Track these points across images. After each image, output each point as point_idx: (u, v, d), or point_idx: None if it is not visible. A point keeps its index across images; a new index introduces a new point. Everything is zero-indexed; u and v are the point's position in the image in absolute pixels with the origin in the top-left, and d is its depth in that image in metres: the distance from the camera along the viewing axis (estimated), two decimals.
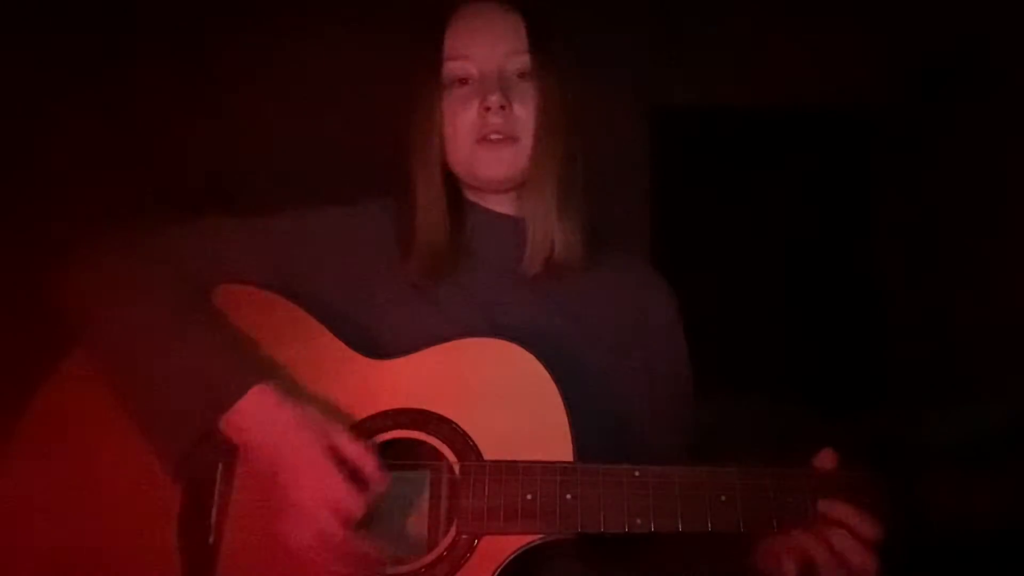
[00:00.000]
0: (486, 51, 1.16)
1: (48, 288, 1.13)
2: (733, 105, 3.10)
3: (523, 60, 1.17)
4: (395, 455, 1.07)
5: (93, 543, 1.06)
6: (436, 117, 1.17)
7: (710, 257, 3.00)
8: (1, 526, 1.08)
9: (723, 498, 1.00)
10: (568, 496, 1.00)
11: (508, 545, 1.01)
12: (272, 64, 2.92)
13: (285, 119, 2.88)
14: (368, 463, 1.00)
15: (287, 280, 1.15)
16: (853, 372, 3.03)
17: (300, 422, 1.01)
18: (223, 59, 2.88)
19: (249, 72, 2.91)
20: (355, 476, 1.00)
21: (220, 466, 1.06)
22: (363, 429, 1.07)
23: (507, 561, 1.00)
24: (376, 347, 1.12)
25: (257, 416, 1.02)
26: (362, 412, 1.08)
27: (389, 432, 1.07)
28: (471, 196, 1.22)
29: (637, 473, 1.01)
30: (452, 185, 1.20)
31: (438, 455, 1.05)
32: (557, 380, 1.05)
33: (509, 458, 1.03)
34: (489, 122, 1.15)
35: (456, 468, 1.04)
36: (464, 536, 1.01)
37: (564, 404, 1.04)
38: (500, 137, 1.15)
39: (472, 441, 1.04)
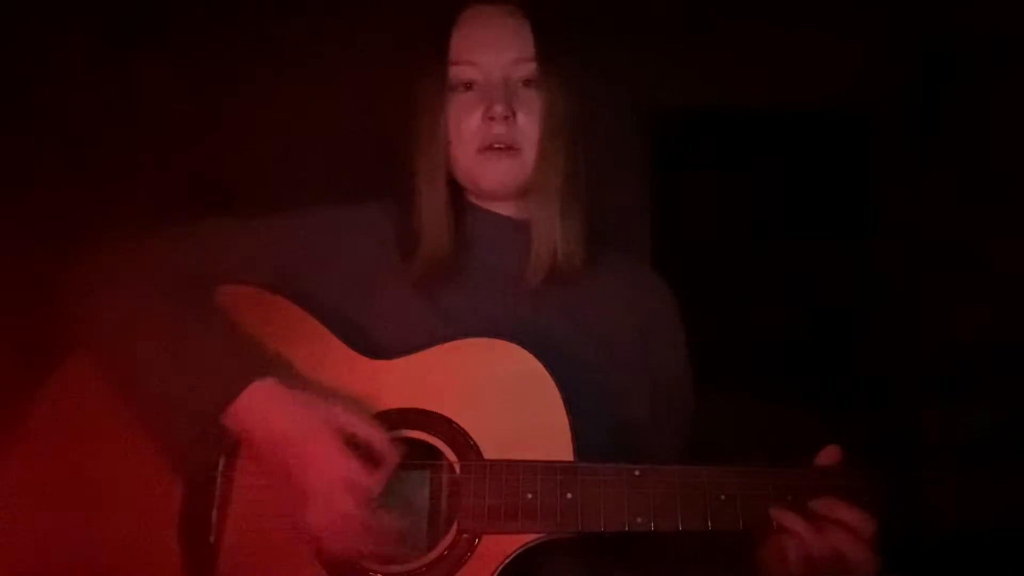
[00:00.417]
0: (492, 58, 1.16)
1: (49, 288, 1.13)
2: (733, 105, 3.10)
3: (529, 68, 1.16)
4: None
5: (94, 542, 1.06)
6: (441, 121, 1.16)
7: (710, 257, 3.00)
8: (2, 524, 1.08)
9: (723, 497, 1.00)
10: (568, 495, 1.01)
11: (509, 544, 1.01)
12: (273, 63, 2.92)
13: (286, 119, 2.88)
14: (377, 438, 1.01)
15: (287, 280, 1.15)
16: (853, 372, 3.03)
17: (305, 408, 1.02)
18: (224, 59, 2.88)
19: (250, 72, 2.91)
20: (366, 454, 1.00)
21: (221, 464, 1.06)
22: None
23: (508, 560, 1.00)
24: (376, 347, 1.12)
25: (261, 407, 1.02)
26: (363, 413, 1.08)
27: (389, 432, 1.07)
28: (473, 199, 1.22)
29: (637, 472, 1.01)
30: (455, 187, 1.20)
31: (438, 455, 1.06)
32: (557, 380, 1.05)
33: (509, 458, 1.03)
34: (493, 132, 1.14)
35: (457, 468, 1.04)
36: (465, 535, 1.02)
37: (564, 404, 1.04)
38: (503, 147, 1.15)
39: (472, 441, 1.05)
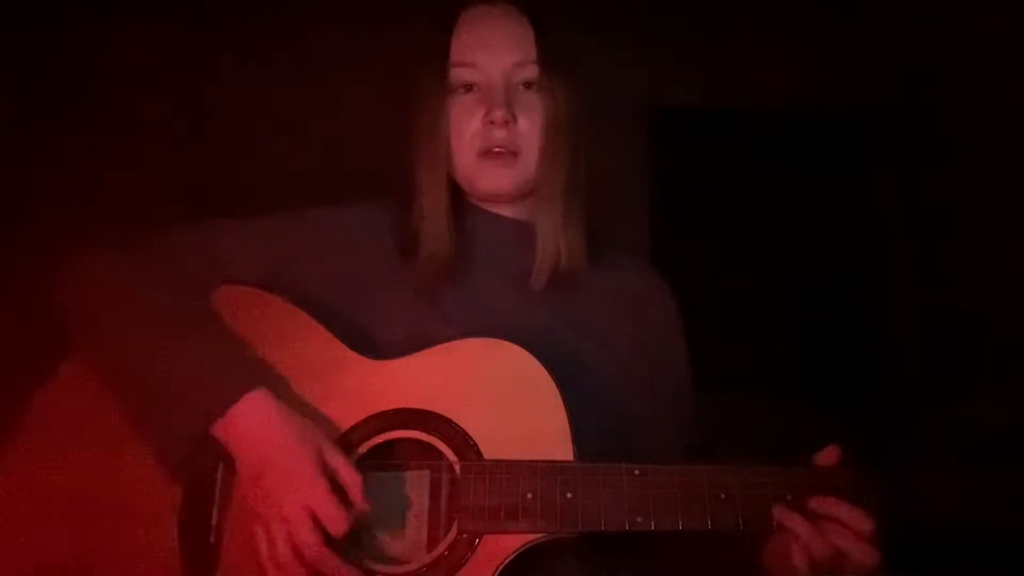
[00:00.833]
0: (493, 60, 1.15)
1: (47, 290, 1.13)
2: (733, 105, 3.10)
3: (531, 71, 1.15)
4: (395, 455, 1.07)
5: (93, 543, 1.06)
6: (442, 123, 1.16)
7: (710, 257, 3.00)
8: (2, 526, 1.08)
9: (723, 496, 1.00)
10: (568, 495, 1.00)
11: (509, 544, 1.01)
12: (273, 63, 2.92)
13: (286, 119, 2.88)
14: (355, 484, 1.00)
15: (287, 281, 1.15)
16: (853, 371, 3.03)
17: (292, 430, 1.01)
18: (224, 59, 2.88)
19: (250, 72, 2.91)
20: (340, 493, 0.99)
21: (221, 466, 1.06)
22: (364, 429, 1.07)
23: (508, 560, 1.00)
24: (376, 347, 1.11)
25: (250, 422, 1.01)
26: (363, 412, 1.07)
27: (389, 432, 1.07)
28: (473, 200, 1.22)
29: (637, 472, 1.01)
30: (455, 188, 1.19)
31: (438, 455, 1.06)
32: (557, 380, 1.05)
33: (509, 457, 1.03)
34: (493, 136, 1.14)
35: (456, 468, 1.04)
36: (465, 535, 1.01)
37: (564, 404, 1.04)
38: (503, 151, 1.15)
39: (472, 440, 1.04)
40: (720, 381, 1.65)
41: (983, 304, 2.76)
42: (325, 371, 1.09)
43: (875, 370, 3.04)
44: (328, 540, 0.97)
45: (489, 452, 1.04)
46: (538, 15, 1.18)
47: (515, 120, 1.14)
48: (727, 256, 3.04)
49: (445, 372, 1.08)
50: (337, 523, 0.96)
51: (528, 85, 1.16)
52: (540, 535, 1.01)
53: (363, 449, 1.06)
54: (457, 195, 1.19)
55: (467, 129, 1.15)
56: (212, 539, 1.04)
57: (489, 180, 1.16)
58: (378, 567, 1.02)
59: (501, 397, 1.05)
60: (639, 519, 0.99)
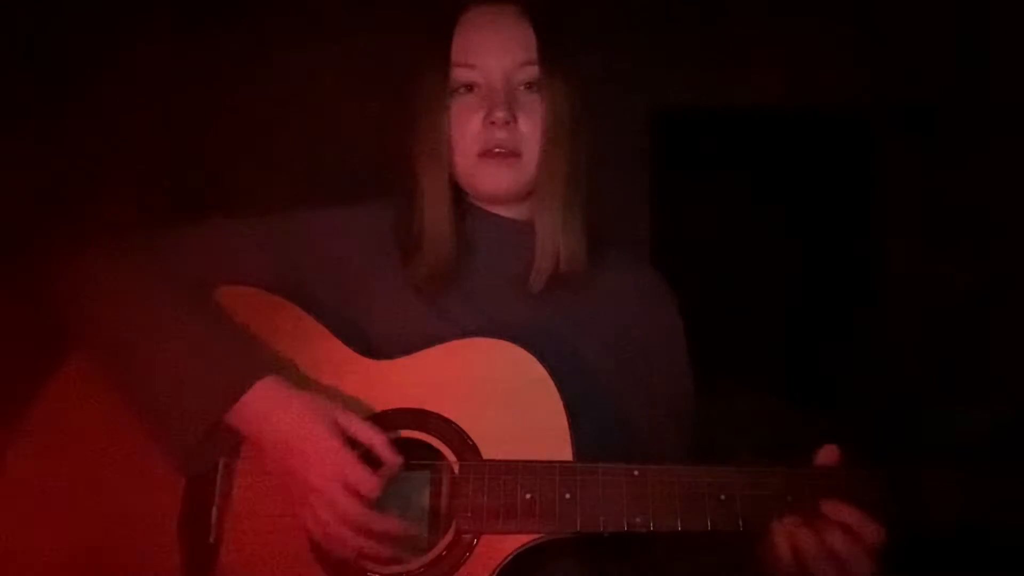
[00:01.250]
0: (493, 61, 1.15)
1: (50, 289, 1.13)
2: (733, 105, 3.10)
3: (532, 72, 1.15)
4: None
5: (93, 543, 1.06)
6: (443, 123, 1.16)
7: (710, 257, 3.00)
8: (2, 526, 1.08)
9: (722, 497, 1.00)
10: (567, 495, 1.01)
11: (508, 544, 1.01)
12: (274, 63, 2.92)
13: (286, 119, 2.88)
14: (378, 442, 1.02)
15: (287, 281, 1.15)
16: (853, 371, 3.03)
17: (308, 409, 1.03)
18: (224, 59, 2.88)
19: (250, 72, 2.91)
20: (367, 457, 1.01)
21: (221, 465, 1.07)
22: None
23: (506, 560, 1.00)
24: (376, 347, 1.12)
25: (265, 406, 1.03)
26: (362, 412, 1.07)
27: (389, 432, 1.07)
28: (474, 200, 1.21)
29: (637, 473, 1.01)
30: (456, 188, 1.19)
31: (438, 455, 1.06)
32: (556, 380, 1.05)
33: (508, 458, 1.03)
34: (493, 137, 1.14)
35: (456, 468, 1.04)
36: (464, 535, 1.02)
37: (563, 404, 1.04)
38: (503, 152, 1.15)
39: (471, 441, 1.05)
40: (720, 381, 1.65)
41: (983, 304, 2.76)
42: (325, 371, 1.10)
43: (875, 370, 3.04)
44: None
45: (488, 452, 1.04)
46: (539, 16, 1.18)
47: (516, 121, 1.14)
48: (727, 256, 3.04)
49: (445, 372, 1.08)
50: (368, 484, 0.99)
51: (529, 86, 1.15)
52: (539, 535, 1.01)
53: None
54: (458, 195, 1.19)
55: (468, 130, 1.15)
56: (212, 539, 1.05)
57: (489, 181, 1.16)
58: (377, 568, 1.02)
59: (500, 397, 1.05)
60: (638, 520, 0.99)
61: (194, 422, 1.03)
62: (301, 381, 1.07)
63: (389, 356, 1.10)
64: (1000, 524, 0.98)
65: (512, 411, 1.05)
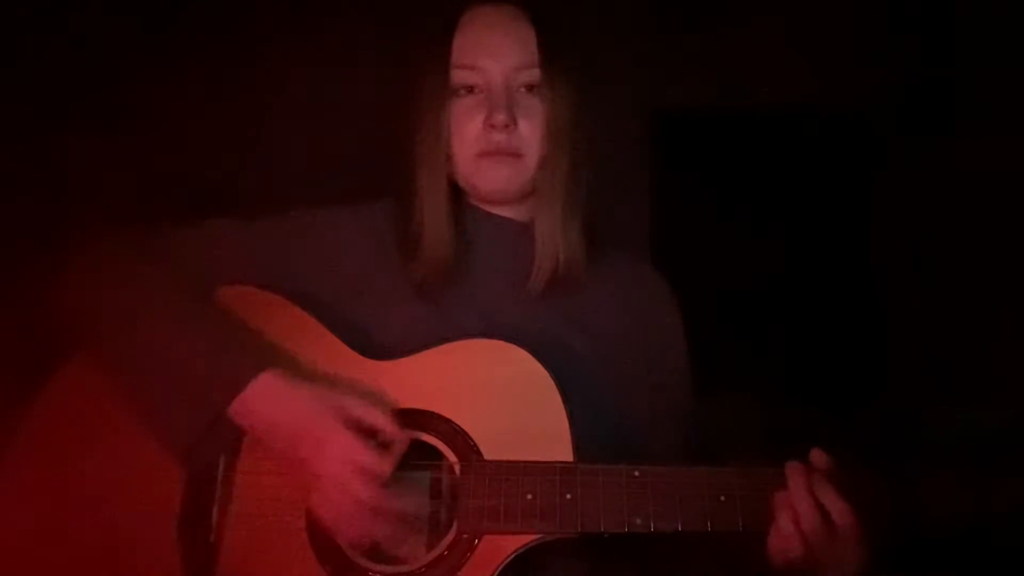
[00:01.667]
0: (494, 63, 1.14)
1: (51, 288, 1.13)
2: (733, 105, 3.10)
3: (532, 74, 1.15)
4: None
5: (94, 542, 1.06)
6: (443, 124, 1.15)
7: (710, 257, 3.00)
8: (2, 525, 1.08)
9: (723, 498, 1.00)
10: (568, 496, 1.01)
11: (508, 545, 1.01)
12: (274, 64, 2.92)
13: (286, 119, 2.88)
14: (385, 423, 1.02)
15: (287, 281, 1.15)
16: (853, 372, 3.03)
17: (312, 397, 1.03)
18: (224, 59, 2.88)
19: (251, 72, 2.91)
20: (375, 439, 1.01)
21: (221, 463, 1.07)
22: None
23: (507, 561, 1.00)
24: (376, 348, 1.12)
25: (269, 398, 1.03)
26: None
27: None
28: (474, 201, 1.21)
29: (637, 473, 1.01)
30: (456, 189, 1.19)
31: (439, 455, 1.06)
32: (557, 380, 1.05)
33: (509, 458, 1.03)
34: (493, 139, 1.14)
35: (456, 468, 1.04)
36: (464, 536, 1.02)
37: (564, 404, 1.04)
38: (503, 154, 1.14)
39: (472, 441, 1.05)
40: (720, 381, 1.65)
41: (984, 304, 2.76)
42: (326, 372, 1.09)
43: (875, 370, 3.04)
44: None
45: (489, 453, 1.04)
46: (541, 17, 1.18)
47: (516, 124, 1.14)
48: (727, 256, 3.04)
49: (445, 373, 1.08)
50: (380, 464, 0.99)
51: (529, 88, 1.15)
52: (539, 536, 1.01)
53: None
54: (458, 196, 1.19)
55: (468, 131, 1.15)
56: (212, 538, 1.05)
57: (489, 181, 1.16)
58: (378, 567, 1.02)
59: (501, 398, 1.05)
60: (638, 520, 0.99)
61: (195, 417, 1.03)
62: (304, 373, 1.07)
63: (389, 356, 1.10)
64: (1000, 524, 0.98)
65: (513, 412, 1.05)
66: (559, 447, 1.03)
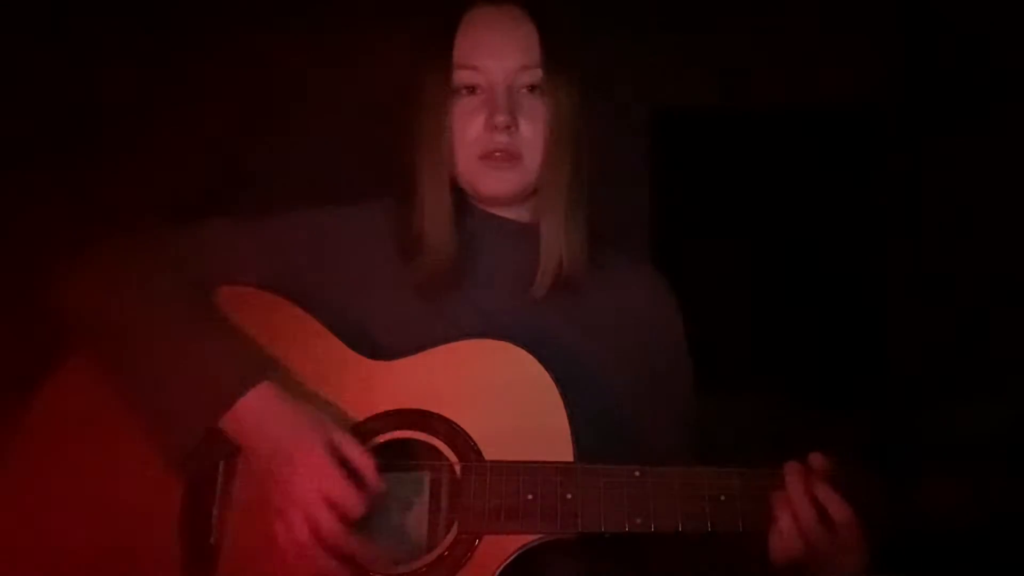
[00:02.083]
0: (496, 64, 1.14)
1: (50, 289, 1.13)
2: (733, 105, 3.10)
3: (534, 75, 1.15)
4: (395, 455, 1.07)
5: (94, 543, 1.06)
6: (445, 124, 1.15)
7: (710, 257, 3.00)
8: (3, 525, 1.08)
9: (723, 498, 1.00)
10: (568, 496, 1.01)
11: (509, 545, 1.01)
12: (274, 64, 2.92)
13: (287, 119, 2.88)
14: (367, 465, 1.00)
15: (287, 280, 1.15)
16: (853, 372, 3.03)
17: (301, 419, 1.02)
18: (225, 59, 2.88)
19: (252, 72, 2.91)
20: (354, 477, 1.00)
21: (221, 465, 1.07)
22: (364, 430, 1.07)
23: (508, 561, 1.00)
24: (377, 348, 1.12)
25: (258, 414, 1.02)
26: (363, 413, 1.08)
27: (390, 432, 1.07)
28: (475, 202, 1.21)
29: (637, 473, 1.01)
30: (457, 189, 1.19)
31: (439, 455, 1.06)
32: (557, 381, 1.05)
33: (510, 458, 1.03)
34: (495, 140, 1.13)
35: (457, 468, 1.04)
36: (465, 536, 1.02)
37: (564, 404, 1.04)
38: (504, 155, 1.14)
39: (473, 441, 1.05)
40: (720, 381, 1.65)
41: (983, 304, 2.76)
42: (326, 372, 1.10)
43: (875, 370, 3.04)
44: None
45: (490, 453, 1.04)
46: (543, 17, 1.17)
47: (517, 125, 1.13)
48: (727, 256, 3.04)
49: (446, 373, 1.08)
50: (352, 506, 0.97)
51: (531, 89, 1.15)
52: (540, 536, 1.01)
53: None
54: (459, 196, 1.19)
55: (469, 132, 1.15)
56: (212, 539, 1.05)
57: (490, 183, 1.16)
58: (378, 567, 1.02)
59: (502, 398, 1.05)
60: (639, 520, 1.00)
61: (190, 426, 1.02)
62: (300, 385, 1.07)
63: (390, 357, 1.10)
64: (999, 524, 0.98)
65: (513, 412, 1.05)
66: (559, 447, 1.03)
